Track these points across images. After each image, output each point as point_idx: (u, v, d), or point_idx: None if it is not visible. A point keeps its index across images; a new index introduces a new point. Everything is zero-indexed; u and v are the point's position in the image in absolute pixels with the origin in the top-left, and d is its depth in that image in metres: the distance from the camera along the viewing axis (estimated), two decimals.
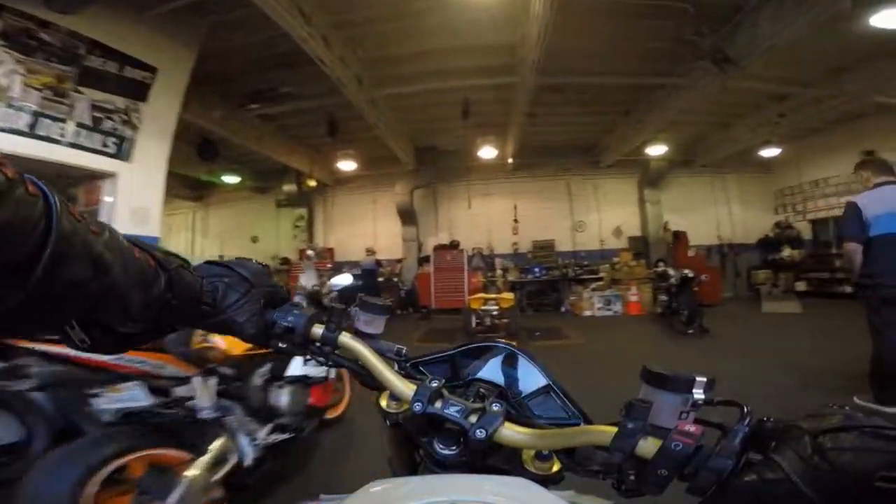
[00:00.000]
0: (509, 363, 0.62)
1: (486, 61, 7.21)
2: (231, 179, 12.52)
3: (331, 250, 12.97)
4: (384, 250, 12.49)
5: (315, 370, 2.23)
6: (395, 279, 11.53)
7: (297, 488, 2.23)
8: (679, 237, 10.78)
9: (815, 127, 9.85)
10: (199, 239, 15.09)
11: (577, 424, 0.55)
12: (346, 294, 2.79)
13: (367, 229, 13.10)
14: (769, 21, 5.26)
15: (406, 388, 0.54)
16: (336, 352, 0.60)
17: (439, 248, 11.62)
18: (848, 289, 8.47)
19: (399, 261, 12.34)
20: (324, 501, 0.54)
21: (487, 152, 10.44)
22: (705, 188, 12.26)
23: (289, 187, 12.92)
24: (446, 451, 0.51)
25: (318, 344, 0.59)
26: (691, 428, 0.40)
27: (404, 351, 0.63)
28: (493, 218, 12.36)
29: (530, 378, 0.61)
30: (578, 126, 10.39)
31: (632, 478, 0.43)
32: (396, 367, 0.61)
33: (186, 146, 10.62)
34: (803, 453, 0.35)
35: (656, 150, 10.29)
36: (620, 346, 6.60)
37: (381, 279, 11.29)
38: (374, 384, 0.58)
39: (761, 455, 0.38)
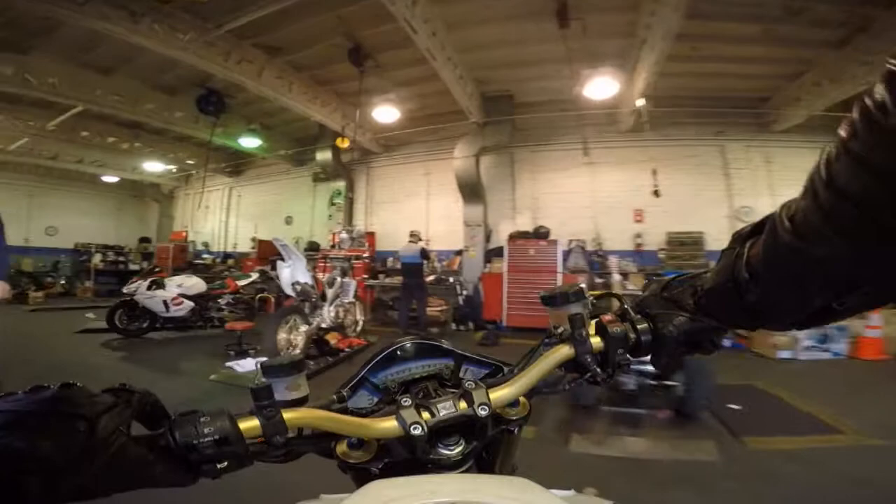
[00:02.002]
0: (420, 351, 0.65)
1: None
2: (250, 142, 9.86)
3: (371, 235, 9.87)
4: (439, 238, 9.11)
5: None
6: (451, 279, 8.10)
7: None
8: None
9: None
10: (232, 219, 13.26)
11: (503, 369, 0.64)
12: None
13: (418, 209, 9.85)
14: None
15: (388, 423, 0.50)
16: (288, 440, 0.46)
17: (517, 238, 7.96)
18: None
19: (458, 252, 8.88)
20: (324, 501, 0.57)
21: (596, 93, 6.77)
22: None
23: (323, 156, 10.08)
24: (447, 451, 0.51)
25: (263, 443, 0.46)
26: (611, 317, 0.55)
27: (343, 391, 0.60)
28: (602, 198, 8.37)
29: (444, 357, 0.65)
30: (751, 64, 6.56)
31: (598, 369, 0.53)
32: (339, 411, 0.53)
33: (187, 98, 8.26)
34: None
35: None
36: None
37: (430, 277, 7.91)
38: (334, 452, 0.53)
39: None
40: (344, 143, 8.68)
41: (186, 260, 11.93)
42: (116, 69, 7.27)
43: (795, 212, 0.36)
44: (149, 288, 6.12)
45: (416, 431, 0.48)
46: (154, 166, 11.92)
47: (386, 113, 7.89)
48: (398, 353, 0.64)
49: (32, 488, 0.32)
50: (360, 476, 0.51)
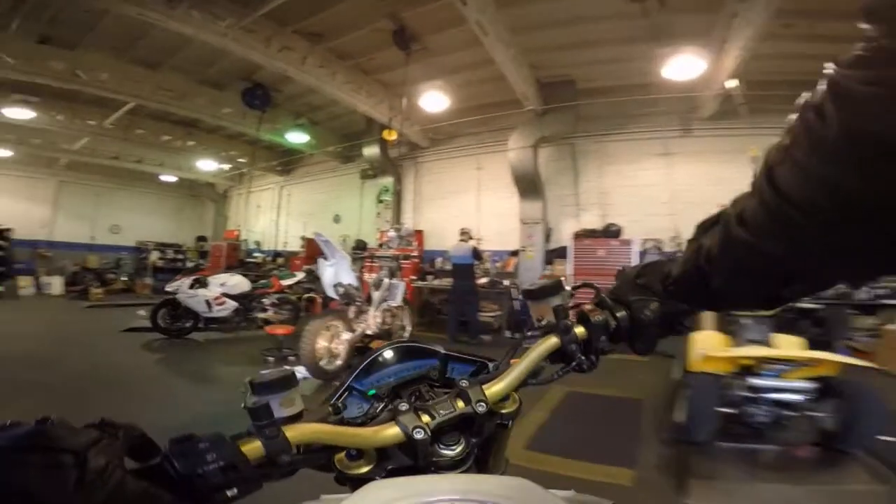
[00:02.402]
0: (404, 355, 0.66)
1: None
2: (298, 138, 9.63)
3: (419, 234, 9.32)
4: (492, 238, 8.39)
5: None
6: (506, 282, 7.36)
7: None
8: None
9: None
10: (283, 218, 13.29)
11: (488, 365, 0.64)
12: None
13: (469, 206, 9.18)
14: None
15: (390, 430, 0.49)
16: (287, 458, 0.44)
17: (583, 237, 7.10)
18: None
19: (514, 253, 8.12)
20: (324, 501, 0.57)
21: (678, 74, 5.96)
22: None
23: (370, 151, 9.67)
24: (449, 451, 0.51)
25: (267, 465, 0.44)
26: (591, 307, 0.58)
27: (335, 402, 0.60)
28: (682, 192, 7.29)
29: (430, 358, 0.65)
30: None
31: (582, 357, 0.57)
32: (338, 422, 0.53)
33: (234, 93, 8.13)
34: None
35: None
36: None
37: (482, 279, 7.22)
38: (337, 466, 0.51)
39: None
40: (391, 136, 8.18)
41: (238, 258, 11.98)
42: (162, 63, 7.20)
43: (744, 208, 0.40)
44: (191, 287, 5.86)
45: (419, 435, 0.48)
46: (207, 165, 12.07)
47: (434, 100, 7.29)
48: (382, 358, 0.65)
49: None
50: (360, 486, 0.46)
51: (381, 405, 0.59)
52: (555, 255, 7.55)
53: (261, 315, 6.44)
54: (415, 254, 8.45)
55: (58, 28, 5.92)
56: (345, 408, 0.59)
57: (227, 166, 12.66)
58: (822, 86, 0.30)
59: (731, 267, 0.44)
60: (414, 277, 7.95)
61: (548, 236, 8.01)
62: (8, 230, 10.81)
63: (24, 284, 10.35)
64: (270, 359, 4.87)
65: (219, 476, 0.39)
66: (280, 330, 5.22)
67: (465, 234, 6.62)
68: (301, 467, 0.47)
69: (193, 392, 4.05)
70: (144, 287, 12.28)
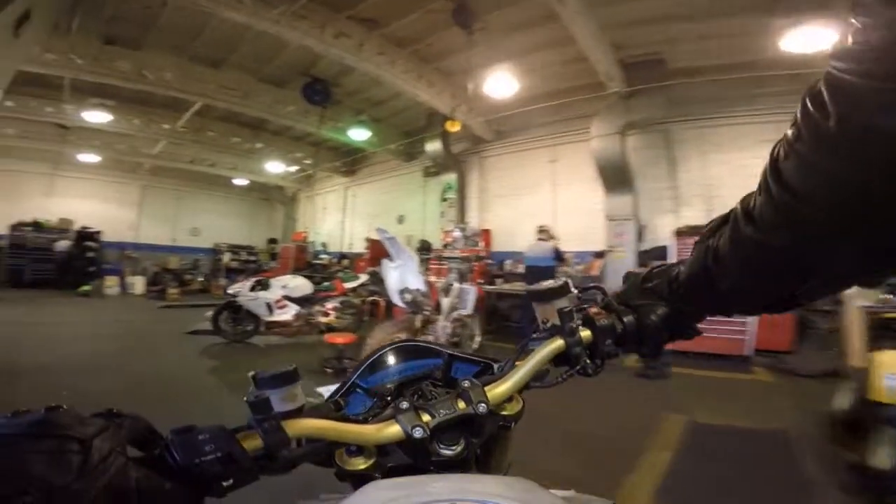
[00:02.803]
0: (409, 354, 0.65)
1: None
2: (360, 135, 9.35)
3: (486, 233, 8.61)
4: (570, 237, 7.46)
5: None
6: (592, 286, 6.40)
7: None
8: None
9: None
10: (348, 219, 13.25)
11: (492, 366, 0.61)
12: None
13: (542, 202, 8.33)
14: None
15: (389, 427, 0.49)
16: (287, 452, 0.45)
17: (686, 234, 5.99)
18: None
19: (599, 254, 7.14)
20: (324, 501, 0.56)
21: (800, 46, 4.90)
22: None
23: (433, 146, 9.17)
24: (449, 451, 0.50)
25: (265, 457, 0.44)
26: (597, 310, 0.57)
27: (337, 398, 0.61)
28: None
29: (434, 358, 0.65)
30: None
31: (587, 361, 0.54)
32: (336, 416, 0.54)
33: (295, 90, 8.00)
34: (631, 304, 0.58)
35: None
36: None
37: (564, 281, 6.31)
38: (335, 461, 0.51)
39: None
40: (454, 127, 7.59)
41: (306, 260, 12.00)
42: (223, 61, 7.22)
43: (753, 205, 0.39)
44: (252, 289, 5.60)
45: (418, 434, 0.48)
46: (275, 167, 12.25)
47: (501, 85, 6.52)
48: (386, 357, 0.65)
49: None
50: (360, 483, 0.47)
51: (384, 403, 0.59)
52: (651, 255, 6.48)
53: (322, 319, 6.06)
54: (484, 255, 7.75)
55: (118, 27, 5.97)
56: (346, 404, 0.59)
57: (293, 168, 12.83)
58: (823, 83, 0.30)
59: (741, 266, 0.43)
60: (481, 281, 7.24)
61: (640, 233, 6.95)
62: (98, 233, 11.59)
63: (111, 284, 10.99)
64: (329, 370, 4.39)
65: (217, 466, 0.40)
66: (340, 339, 4.74)
67: (545, 233, 5.81)
68: (301, 462, 0.47)
69: (245, 408, 3.64)
70: (218, 288, 12.69)
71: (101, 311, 8.33)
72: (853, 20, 0.28)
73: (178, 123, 8.97)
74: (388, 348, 0.65)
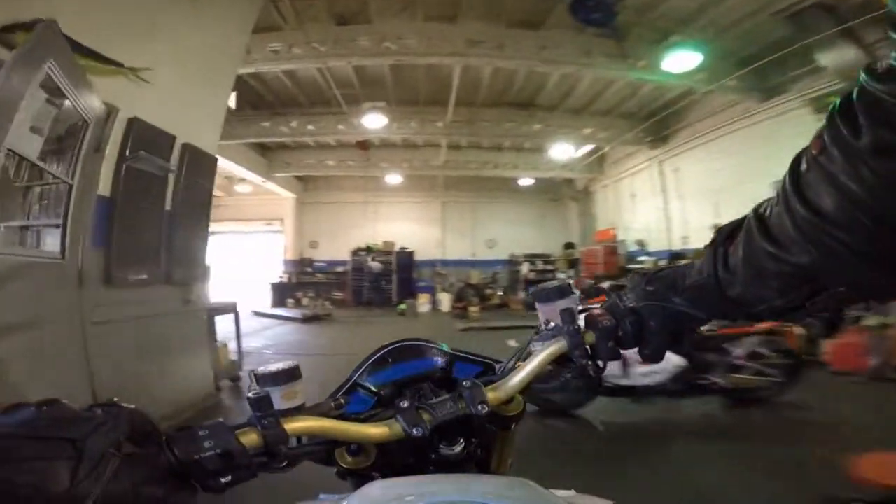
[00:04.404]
0: (410, 354, 0.64)
1: None
2: (683, 60, 6.00)
3: None
4: None
5: None
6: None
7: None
8: None
9: None
10: (674, 203, 9.61)
11: (494, 366, 0.63)
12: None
13: None
14: None
15: (389, 426, 0.49)
16: (286, 450, 0.45)
17: None
18: None
19: None
20: (323, 501, 0.56)
21: None
22: None
23: (833, 56, 4.90)
24: (448, 451, 0.51)
25: (266, 453, 0.44)
26: (600, 311, 0.55)
27: (338, 397, 0.58)
28: None
29: (435, 358, 0.64)
30: None
31: (589, 362, 0.53)
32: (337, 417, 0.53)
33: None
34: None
35: None
36: None
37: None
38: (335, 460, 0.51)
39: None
40: None
41: (618, 265, 9.07)
42: (457, 15, 6.02)
43: (769, 215, 0.39)
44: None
45: (418, 433, 0.48)
46: (559, 151, 10.01)
47: None
48: (389, 356, 0.64)
49: None
50: (361, 482, 0.49)
51: (384, 402, 0.59)
52: None
53: (730, 379, 2.88)
54: None
55: (339, 5, 5.65)
56: (347, 403, 0.57)
57: (580, 152, 10.38)
58: (853, 94, 0.29)
59: (753, 276, 0.43)
60: None
61: None
62: (411, 252, 12.14)
63: (423, 301, 11.15)
64: None
65: (215, 462, 0.40)
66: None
67: None
68: (302, 460, 0.48)
69: None
70: (517, 303, 11.36)
71: (403, 331, 7.82)
72: (893, 37, 0.26)
73: (448, 116, 8.34)
74: (389, 348, 0.64)
